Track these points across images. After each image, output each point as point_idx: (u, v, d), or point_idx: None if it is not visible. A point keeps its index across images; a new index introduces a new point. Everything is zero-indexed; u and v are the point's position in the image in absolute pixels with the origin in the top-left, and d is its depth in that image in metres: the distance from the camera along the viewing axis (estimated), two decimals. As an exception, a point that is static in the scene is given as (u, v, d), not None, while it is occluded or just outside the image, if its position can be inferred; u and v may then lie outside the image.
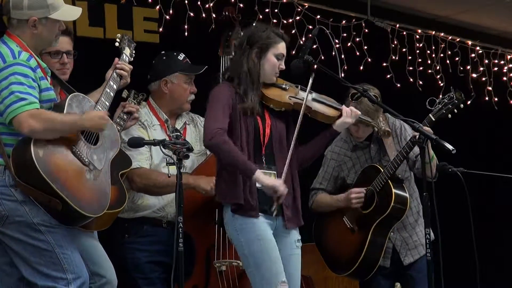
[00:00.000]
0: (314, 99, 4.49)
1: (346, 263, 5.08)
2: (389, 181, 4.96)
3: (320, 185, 5.20)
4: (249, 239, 4.23)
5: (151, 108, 5.02)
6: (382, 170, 4.98)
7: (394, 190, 4.96)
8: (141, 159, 4.85)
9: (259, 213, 4.28)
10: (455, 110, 4.95)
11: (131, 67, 4.40)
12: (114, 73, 4.29)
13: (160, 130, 4.97)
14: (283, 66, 4.41)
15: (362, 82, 4.97)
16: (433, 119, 4.91)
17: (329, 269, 5.17)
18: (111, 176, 4.20)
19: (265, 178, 4.23)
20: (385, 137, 5.03)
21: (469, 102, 7.03)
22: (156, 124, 4.98)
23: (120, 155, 4.41)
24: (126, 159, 4.60)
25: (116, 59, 4.38)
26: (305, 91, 4.44)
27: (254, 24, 4.53)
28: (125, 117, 4.57)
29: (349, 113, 4.50)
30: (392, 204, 4.95)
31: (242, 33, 4.46)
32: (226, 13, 5.02)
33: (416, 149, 4.84)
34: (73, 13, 4.24)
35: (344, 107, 4.54)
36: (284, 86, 4.49)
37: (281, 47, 4.40)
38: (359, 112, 4.58)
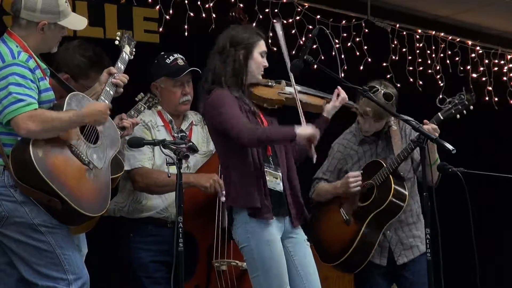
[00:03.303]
0: (300, 92, 4.51)
1: (337, 253, 5.10)
2: (390, 176, 4.98)
3: (324, 175, 5.23)
4: (260, 243, 4.20)
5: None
6: (385, 165, 4.99)
7: (394, 186, 4.98)
8: (143, 158, 4.86)
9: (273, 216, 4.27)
10: (464, 112, 4.97)
11: (127, 77, 4.36)
12: (110, 82, 4.25)
13: (165, 131, 4.98)
14: (266, 64, 4.41)
15: (381, 78, 5.08)
16: (442, 118, 4.95)
17: (319, 258, 5.17)
18: None
19: (304, 130, 4.22)
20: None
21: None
22: (160, 125, 4.99)
23: (115, 161, 4.35)
24: (118, 163, 4.50)
25: (111, 68, 4.32)
26: (290, 86, 4.46)
27: (231, 26, 4.50)
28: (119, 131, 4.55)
29: (336, 98, 4.54)
30: (390, 198, 4.96)
31: (220, 38, 4.42)
32: (233, 13, 5.00)
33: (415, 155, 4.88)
34: (80, 22, 4.24)
35: (336, 92, 4.57)
36: (269, 83, 4.51)
37: (263, 45, 4.41)
38: (346, 96, 4.58)
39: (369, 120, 5.03)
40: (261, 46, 4.39)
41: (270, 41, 5.13)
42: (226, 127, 4.21)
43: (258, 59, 4.37)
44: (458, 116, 4.99)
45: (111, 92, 4.23)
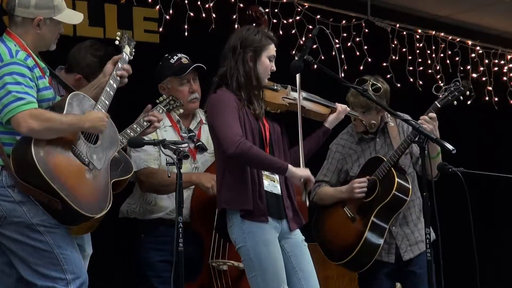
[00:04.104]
0: (305, 98, 4.53)
1: (344, 251, 5.09)
2: (392, 169, 4.98)
3: (324, 177, 5.23)
4: (257, 243, 4.21)
5: None
6: (385, 159, 5.00)
7: (397, 179, 4.98)
8: (148, 159, 4.88)
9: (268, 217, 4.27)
10: (461, 97, 4.99)
11: (130, 68, 4.38)
12: (115, 73, 4.27)
13: (172, 131, 4.99)
14: (274, 68, 4.43)
15: (375, 73, 5.09)
16: (439, 106, 4.98)
17: (327, 257, 5.17)
18: None
19: (297, 170, 4.25)
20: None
21: (469, 102, 7.04)
22: (168, 125, 5.01)
23: (123, 163, 4.39)
24: (128, 166, 4.51)
25: (116, 57, 4.35)
26: (295, 91, 4.47)
27: (243, 28, 4.51)
28: (144, 124, 4.57)
29: (341, 110, 4.59)
30: (393, 191, 4.97)
31: (232, 37, 4.43)
32: (250, 12, 4.93)
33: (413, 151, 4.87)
34: (76, 17, 4.26)
35: (337, 104, 4.61)
36: (275, 87, 4.51)
37: (273, 49, 4.41)
38: (348, 108, 4.67)
39: (358, 112, 5.03)
40: (271, 50, 4.40)
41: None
42: (219, 134, 4.23)
43: (266, 63, 4.38)
44: (455, 102, 5.01)
45: (111, 93, 4.23)
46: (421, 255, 5.10)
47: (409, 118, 4.74)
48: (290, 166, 4.23)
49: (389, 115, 5.12)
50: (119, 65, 4.31)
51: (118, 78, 4.28)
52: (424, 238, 5.07)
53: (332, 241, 5.20)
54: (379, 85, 5.06)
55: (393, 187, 4.97)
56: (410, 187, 5.03)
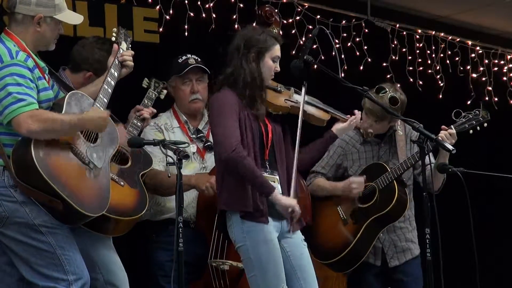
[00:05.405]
0: (307, 102, 4.50)
1: (331, 251, 5.10)
2: (394, 181, 4.98)
3: (322, 169, 5.22)
4: (256, 242, 4.21)
5: (174, 110, 5.10)
6: (389, 170, 4.99)
7: (398, 191, 4.97)
8: (154, 161, 4.87)
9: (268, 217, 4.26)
10: (478, 128, 4.99)
11: (132, 52, 4.38)
12: (112, 69, 4.27)
13: (180, 132, 5.01)
14: (278, 68, 4.40)
15: (393, 83, 5.11)
16: (454, 131, 4.94)
17: (311, 253, 5.16)
18: (131, 179, 4.30)
19: (282, 198, 4.22)
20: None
21: (469, 102, 7.06)
22: (176, 126, 5.04)
23: (143, 156, 4.49)
24: (148, 159, 4.62)
25: (115, 45, 4.35)
26: (299, 94, 4.46)
27: (248, 27, 4.50)
28: (139, 124, 4.59)
29: (353, 121, 4.61)
30: (393, 203, 4.96)
31: (236, 37, 4.42)
32: (260, 12, 4.90)
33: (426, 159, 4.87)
34: (76, 17, 4.27)
35: (357, 114, 4.60)
36: (278, 88, 4.50)
37: (277, 50, 4.38)
38: (359, 119, 4.64)
39: (370, 121, 5.02)
40: (275, 51, 4.37)
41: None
42: (218, 137, 4.23)
43: (269, 63, 4.36)
44: (471, 131, 5.01)
45: (109, 90, 4.23)
46: (408, 263, 5.11)
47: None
48: (275, 192, 4.20)
49: (399, 124, 5.11)
50: (116, 61, 4.30)
51: (116, 74, 4.28)
52: (410, 247, 5.11)
53: (320, 238, 5.18)
54: (397, 96, 5.03)
55: (393, 200, 4.97)
56: (409, 202, 5.04)
